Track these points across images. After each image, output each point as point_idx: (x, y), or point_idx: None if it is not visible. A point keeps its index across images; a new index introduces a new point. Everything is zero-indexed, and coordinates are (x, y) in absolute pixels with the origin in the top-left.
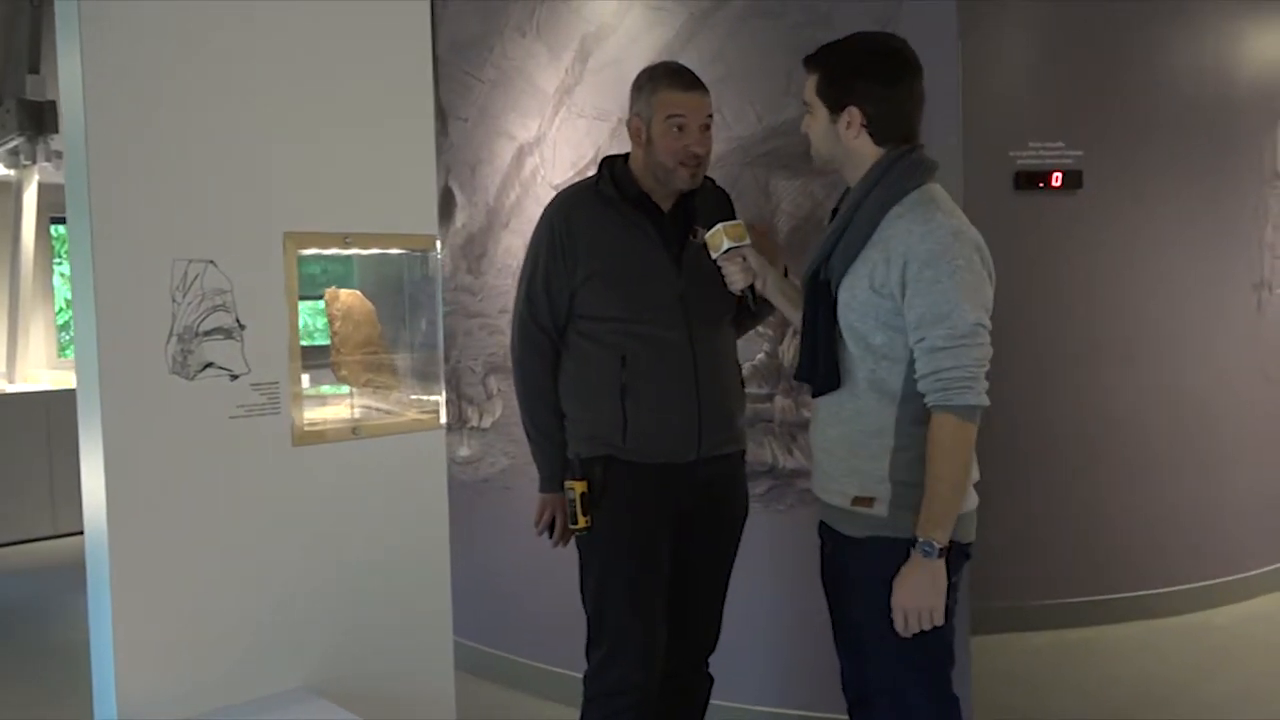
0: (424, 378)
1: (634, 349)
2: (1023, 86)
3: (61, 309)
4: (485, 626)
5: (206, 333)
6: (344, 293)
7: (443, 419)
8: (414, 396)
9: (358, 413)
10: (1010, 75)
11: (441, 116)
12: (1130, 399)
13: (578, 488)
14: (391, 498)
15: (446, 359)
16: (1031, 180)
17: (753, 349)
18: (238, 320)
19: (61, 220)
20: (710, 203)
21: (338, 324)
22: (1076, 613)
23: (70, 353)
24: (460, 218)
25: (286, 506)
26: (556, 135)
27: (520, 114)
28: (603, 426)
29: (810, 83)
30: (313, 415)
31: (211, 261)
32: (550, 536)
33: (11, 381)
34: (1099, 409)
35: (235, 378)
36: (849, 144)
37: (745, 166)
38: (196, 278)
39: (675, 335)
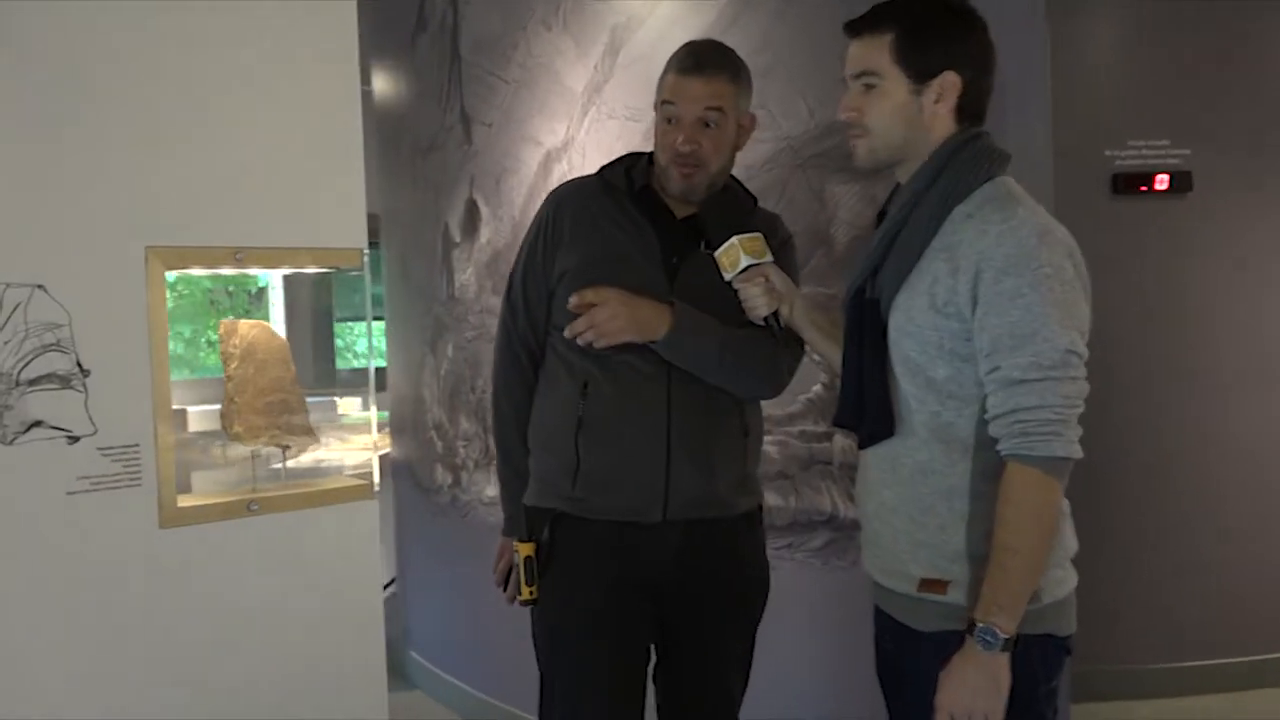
0: (351, 430)
1: (597, 376)
2: (1120, 77)
3: None
4: (514, 688)
5: (32, 381)
6: (245, 324)
7: (376, 484)
8: (337, 452)
9: (265, 479)
10: (1106, 64)
11: (465, 121)
12: (1255, 430)
13: (523, 551)
14: (305, 600)
15: (472, 389)
16: (1132, 183)
17: (808, 380)
18: (78, 364)
19: None
20: (747, 222)
21: (234, 365)
22: (1194, 677)
23: None
24: (485, 233)
25: (150, 614)
26: (586, 139)
27: (547, 117)
28: (554, 469)
29: (875, 47)
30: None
31: (39, 286)
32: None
33: None
34: (1218, 442)
35: (75, 440)
36: (929, 125)
37: (796, 169)
38: (17, 307)
39: (650, 366)
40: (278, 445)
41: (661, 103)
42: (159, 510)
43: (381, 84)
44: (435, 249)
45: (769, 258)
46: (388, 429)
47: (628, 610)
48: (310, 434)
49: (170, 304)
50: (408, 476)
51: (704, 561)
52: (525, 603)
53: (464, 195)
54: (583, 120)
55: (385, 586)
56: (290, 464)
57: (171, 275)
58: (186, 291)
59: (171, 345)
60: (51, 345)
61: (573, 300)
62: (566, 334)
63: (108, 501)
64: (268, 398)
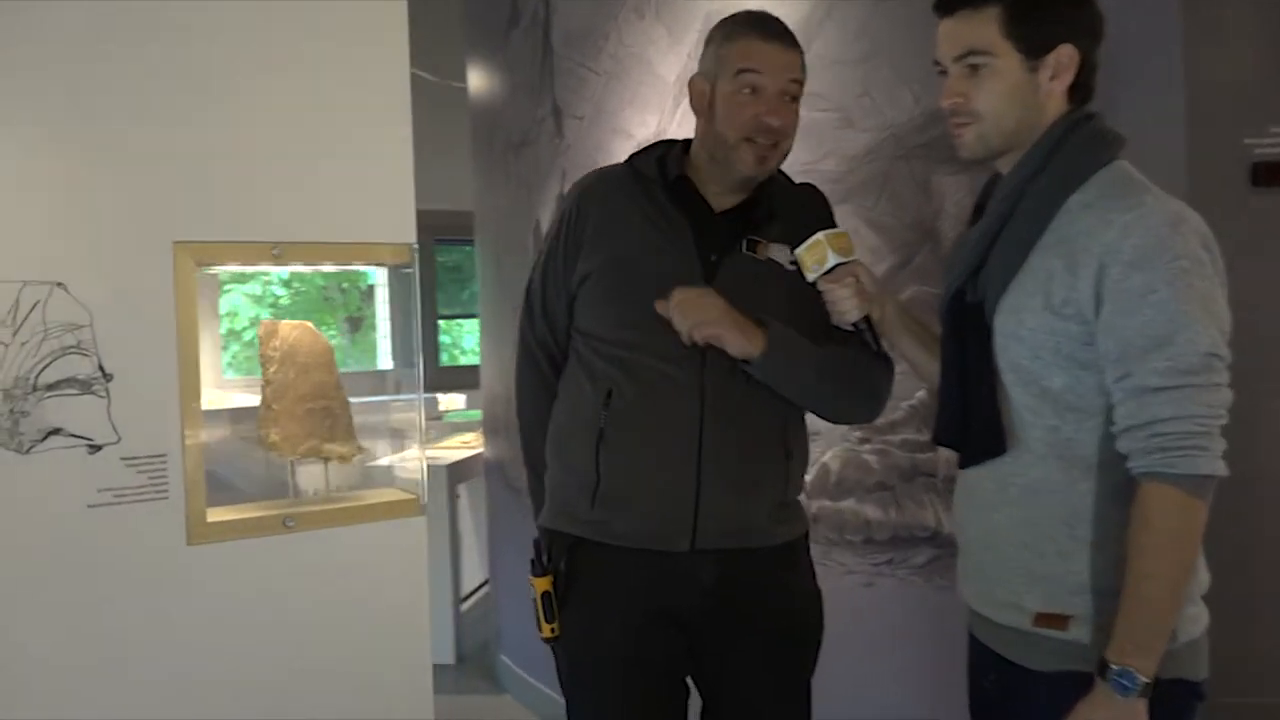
0: (400, 442)
1: (622, 384)
2: (1262, 56)
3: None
4: None
5: (50, 385)
6: (286, 325)
7: (424, 500)
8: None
9: (302, 492)
10: (1246, 41)
11: (556, 115)
12: None
13: (539, 587)
14: (343, 626)
15: None
16: (1274, 173)
17: (911, 385)
18: (100, 367)
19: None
20: (797, 210)
21: (273, 369)
22: None
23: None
24: None
25: (176, 637)
26: (677, 130)
27: (639, 108)
28: (571, 487)
29: (979, 22)
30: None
31: (59, 284)
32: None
33: None
34: None
35: (97, 449)
36: (1044, 104)
37: (899, 160)
38: (34, 307)
39: (681, 374)
40: (317, 457)
41: (739, 71)
42: (187, 525)
43: (476, 80)
44: (527, 245)
45: (855, 256)
46: (481, 428)
47: (654, 649)
48: (354, 445)
49: (287, 300)
50: (499, 476)
51: (740, 598)
52: (548, 641)
53: (555, 190)
54: (675, 111)
55: (478, 589)
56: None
57: (284, 271)
58: (303, 289)
59: None
60: (72, 347)
61: (661, 306)
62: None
63: (132, 515)
64: (308, 404)
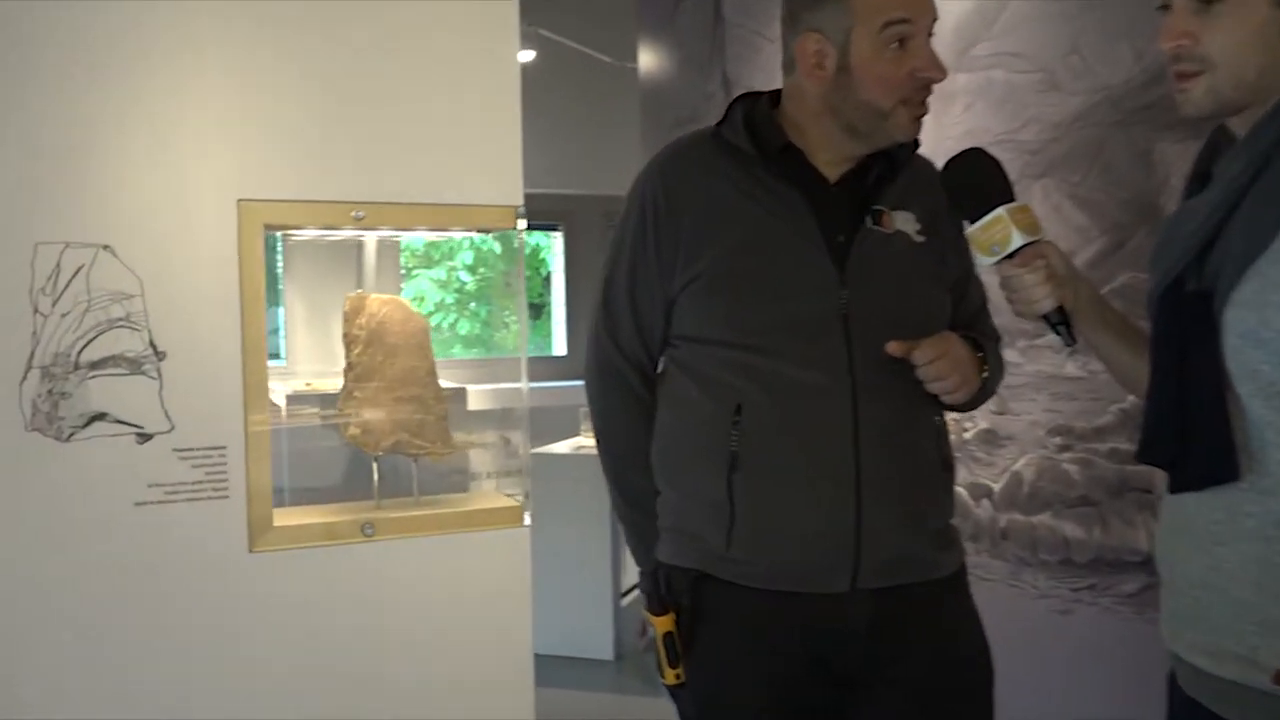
0: (503, 442)
1: (755, 396)
2: None
3: None
4: None
5: (94, 364)
6: (376, 300)
7: (528, 514)
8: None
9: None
10: None
11: (726, 87)
12: None
13: (660, 626)
14: (431, 652)
15: None
16: None
17: (1118, 388)
18: (152, 344)
19: None
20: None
21: (357, 350)
22: None
23: None
24: None
25: (235, 654)
26: None
27: None
28: (697, 518)
29: None
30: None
31: (105, 246)
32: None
33: None
34: None
35: (146, 438)
36: None
37: (1116, 127)
38: (78, 272)
39: (827, 380)
40: (405, 454)
41: (886, 25)
42: (249, 528)
43: (646, 59)
44: None
45: (1043, 235)
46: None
47: (802, 703)
48: (448, 442)
49: (472, 286)
50: None
51: (904, 641)
52: (672, 689)
53: None
54: None
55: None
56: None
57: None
58: (489, 275)
59: (467, 325)
60: (119, 320)
61: (894, 348)
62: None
63: (186, 516)
64: (396, 393)
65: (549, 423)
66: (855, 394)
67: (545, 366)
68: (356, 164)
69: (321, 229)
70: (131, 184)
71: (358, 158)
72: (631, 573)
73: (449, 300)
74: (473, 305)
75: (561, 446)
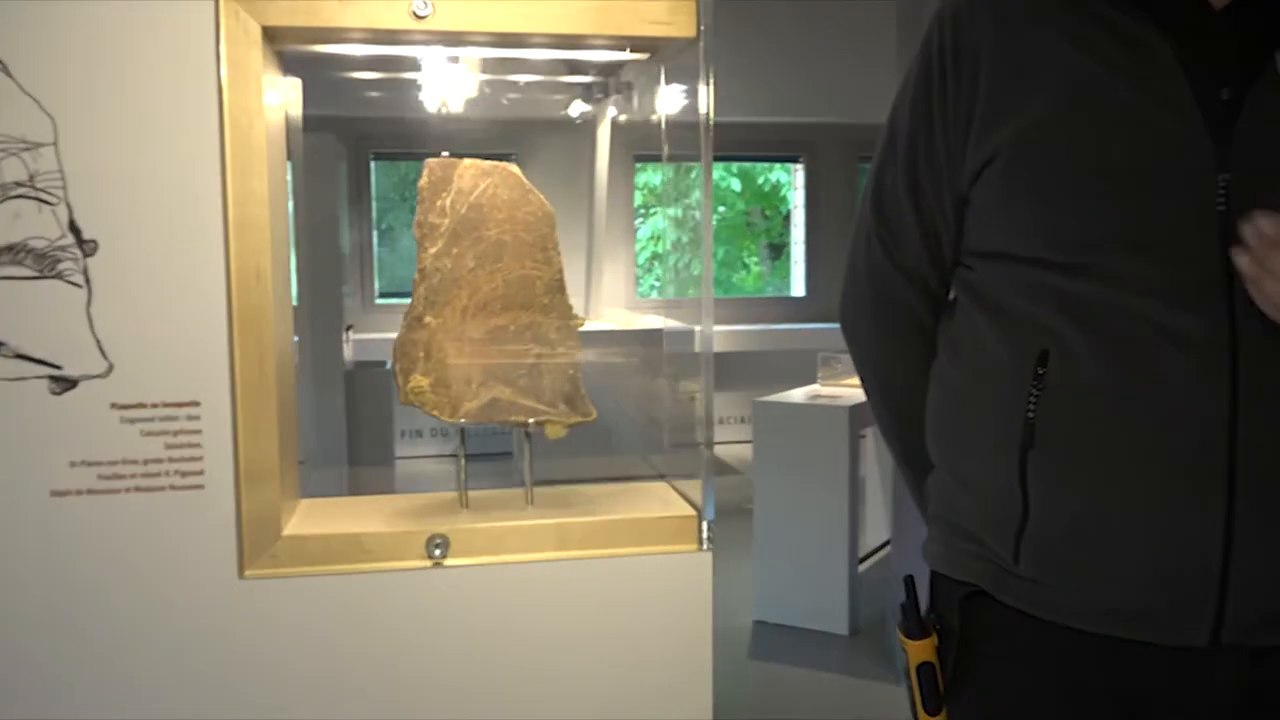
0: (679, 422)
1: (1070, 341)
2: None
3: (644, 246)
4: None
5: None
6: (472, 167)
7: (706, 536)
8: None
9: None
10: None
11: None
12: None
13: (914, 655)
14: None
15: None
16: None
17: None
18: (73, 227)
19: (647, 158)
20: None
21: (434, 249)
22: None
23: (651, 291)
24: None
25: None
26: None
27: None
28: (974, 512)
29: None
30: None
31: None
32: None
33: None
34: None
35: (68, 386)
36: None
37: None
38: None
39: (1190, 322)
40: (504, 423)
41: None
42: (239, 540)
43: None
44: None
45: None
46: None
47: None
48: (579, 405)
49: (713, 223)
50: None
51: None
52: None
53: None
54: None
55: (879, 549)
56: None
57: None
58: (728, 214)
59: (702, 265)
60: (19, 187)
61: (1251, 229)
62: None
63: (134, 515)
64: (496, 320)
65: (783, 368)
66: (1235, 345)
67: (782, 308)
68: None
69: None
70: None
71: None
72: (871, 537)
73: (684, 240)
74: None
75: (796, 394)
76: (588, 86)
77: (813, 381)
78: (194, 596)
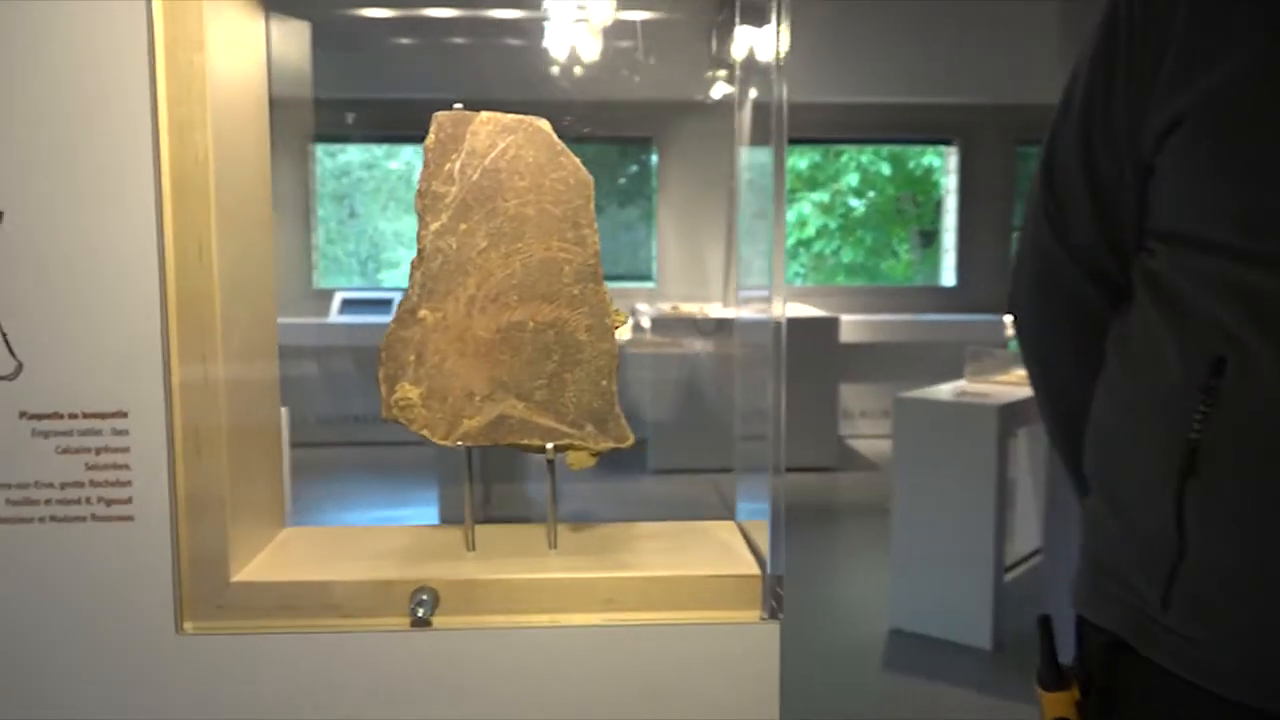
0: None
1: (1254, 345)
2: None
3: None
4: None
5: None
6: (490, 120)
7: (772, 601)
8: None
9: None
10: None
11: None
12: None
13: (1051, 706)
14: None
15: None
16: None
17: None
18: None
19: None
20: None
21: (436, 224)
22: None
23: (795, 279)
24: None
25: None
26: None
27: None
28: (1126, 544)
29: None
30: None
31: None
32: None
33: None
34: None
35: None
36: None
37: None
38: None
39: None
40: (514, 446)
41: None
42: (176, 587)
43: None
44: None
45: None
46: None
47: None
48: (610, 429)
49: (861, 211)
50: None
51: None
52: None
53: None
54: None
55: (1028, 557)
56: None
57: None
58: (877, 199)
59: (850, 253)
60: None
61: None
62: None
63: (51, 550)
64: (510, 314)
65: (930, 361)
66: None
67: (931, 298)
68: None
69: None
70: None
71: None
72: (1021, 544)
73: (832, 226)
74: (858, 232)
75: (942, 390)
76: (730, 66)
77: (959, 377)
78: (120, 654)
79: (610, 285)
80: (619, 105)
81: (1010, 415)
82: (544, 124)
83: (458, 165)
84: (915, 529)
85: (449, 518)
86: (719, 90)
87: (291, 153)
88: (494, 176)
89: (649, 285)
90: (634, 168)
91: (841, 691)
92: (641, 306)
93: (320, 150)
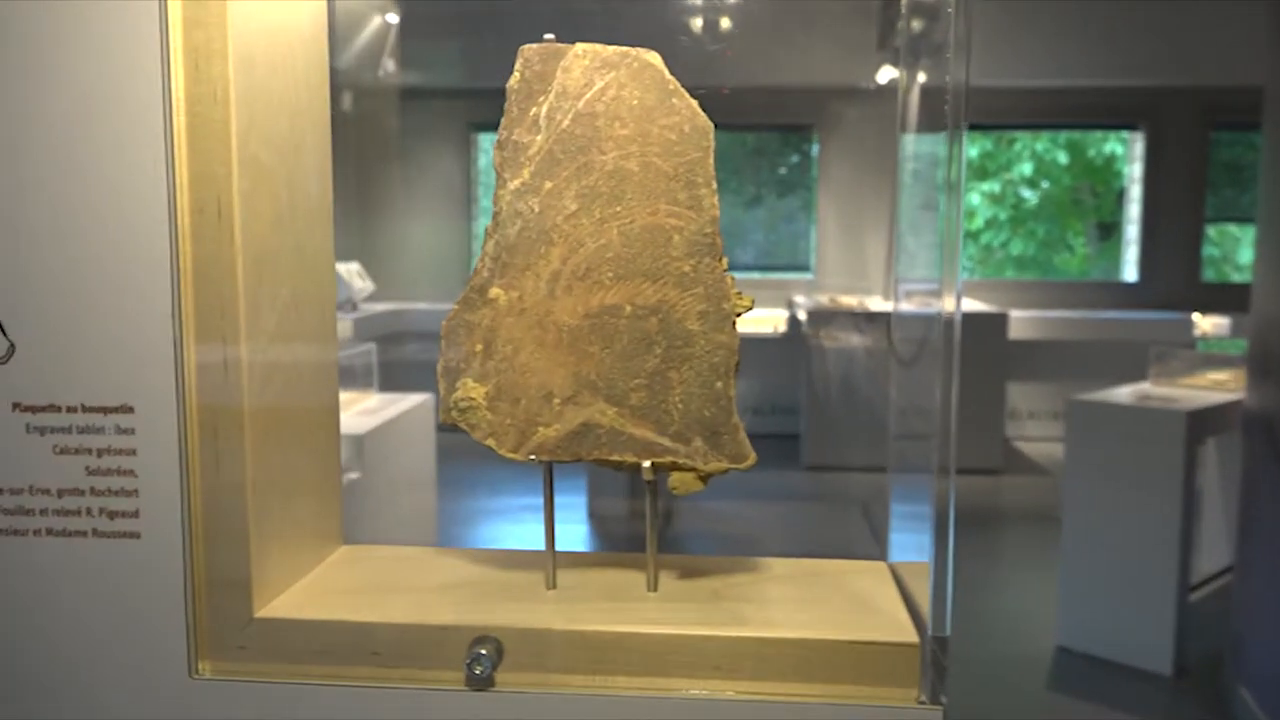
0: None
1: None
2: None
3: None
4: None
5: None
6: (586, 53)
7: (933, 675)
8: None
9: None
10: None
11: None
12: None
13: None
14: None
15: None
16: None
17: None
18: None
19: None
20: None
21: (512, 189)
22: None
23: (961, 272)
24: None
25: None
26: None
27: None
28: None
29: None
30: None
31: None
32: None
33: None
34: None
35: None
36: None
37: None
38: None
39: None
40: (602, 463)
41: None
42: (190, 621)
43: None
44: None
45: None
46: (1245, 365)
47: None
48: (723, 445)
49: (1034, 202)
50: (1264, 433)
51: None
52: None
53: None
54: None
55: (1216, 576)
56: None
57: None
58: (1051, 190)
59: (1020, 245)
60: None
61: None
62: None
63: (46, 569)
64: (603, 296)
65: (1108, 361)
66: None
67: (1110, 294)
68: None
69: None
70: None
71: None
72: (1208, 561)
73: (1002, 217)
74: (1030, 224)
75: (1122, 393)
76: (896, 50)
77: (1143, 379)
78: (125, 701)
79: (766, 276)
80: (780, 91)
81: (1200, 422)
82: (654, 57)
83: (544, 109)
84: (1088, 540)
85: (595, 509)
86: (884, 75)
87: (454, 141)
88: (589, 123)
89: (806, 276)
90: (795, 157)
91: (1002, 711)
92: (799, 298)
93: (484, 139)
